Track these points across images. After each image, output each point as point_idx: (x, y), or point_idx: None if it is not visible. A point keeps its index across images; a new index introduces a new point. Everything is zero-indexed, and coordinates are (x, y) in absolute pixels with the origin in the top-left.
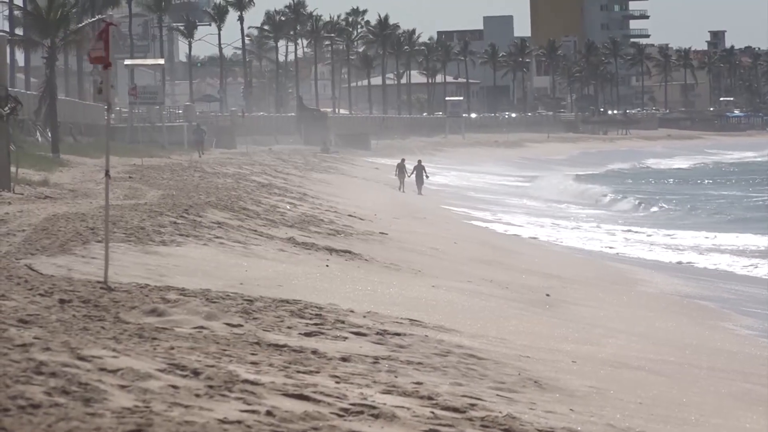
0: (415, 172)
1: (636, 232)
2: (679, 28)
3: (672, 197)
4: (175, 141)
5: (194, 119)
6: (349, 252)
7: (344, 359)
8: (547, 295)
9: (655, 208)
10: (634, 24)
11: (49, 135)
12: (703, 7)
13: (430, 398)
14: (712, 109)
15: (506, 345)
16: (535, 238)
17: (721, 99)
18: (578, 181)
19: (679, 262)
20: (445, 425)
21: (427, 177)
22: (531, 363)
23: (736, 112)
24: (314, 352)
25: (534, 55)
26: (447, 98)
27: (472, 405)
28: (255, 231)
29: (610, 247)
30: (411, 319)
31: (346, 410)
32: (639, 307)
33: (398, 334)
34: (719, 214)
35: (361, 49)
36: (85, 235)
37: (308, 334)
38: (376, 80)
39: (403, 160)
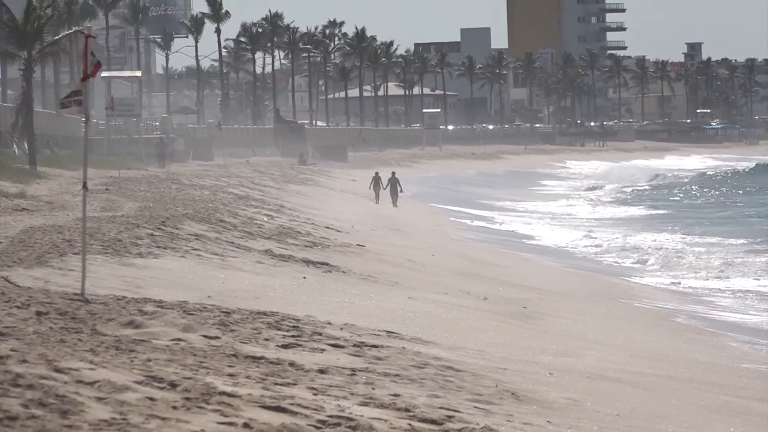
0: (389, 185)
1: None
2: (656, 40)
3: None
4: (152, 153)
5: (171, 131)
6: (327, 264)
7: (321, 371)
8: (524, 307)
9: None
10: (611, 36)
11: (26, 147)
12: (680, 19)
13: (407, 410)
14: (689, 121)
15: (484, 357)
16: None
17: (698, 111)
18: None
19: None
20: None
21: (401, 191)
22: (508, 375)
23: (713, 124)
24: (291, 364)
25: (511, 67)
26: (424, 110)
27: (450, 417)
28: (232, 243)
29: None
30: (388, 331)
31: (323, 422)
32: (617, 319)
33: (375, 346)
34: None
35: (338, 61)
36: (62, 247)
37: (285, 346)
38: (354, 92)
39: (377, 173)
